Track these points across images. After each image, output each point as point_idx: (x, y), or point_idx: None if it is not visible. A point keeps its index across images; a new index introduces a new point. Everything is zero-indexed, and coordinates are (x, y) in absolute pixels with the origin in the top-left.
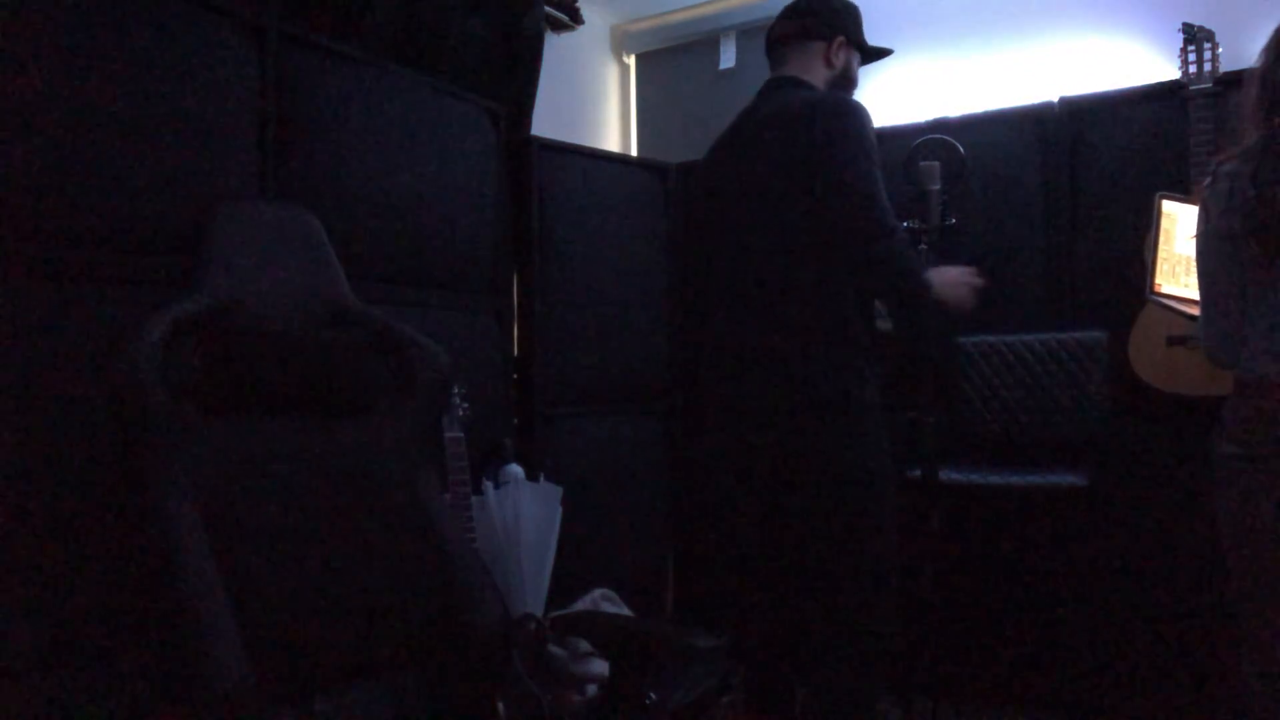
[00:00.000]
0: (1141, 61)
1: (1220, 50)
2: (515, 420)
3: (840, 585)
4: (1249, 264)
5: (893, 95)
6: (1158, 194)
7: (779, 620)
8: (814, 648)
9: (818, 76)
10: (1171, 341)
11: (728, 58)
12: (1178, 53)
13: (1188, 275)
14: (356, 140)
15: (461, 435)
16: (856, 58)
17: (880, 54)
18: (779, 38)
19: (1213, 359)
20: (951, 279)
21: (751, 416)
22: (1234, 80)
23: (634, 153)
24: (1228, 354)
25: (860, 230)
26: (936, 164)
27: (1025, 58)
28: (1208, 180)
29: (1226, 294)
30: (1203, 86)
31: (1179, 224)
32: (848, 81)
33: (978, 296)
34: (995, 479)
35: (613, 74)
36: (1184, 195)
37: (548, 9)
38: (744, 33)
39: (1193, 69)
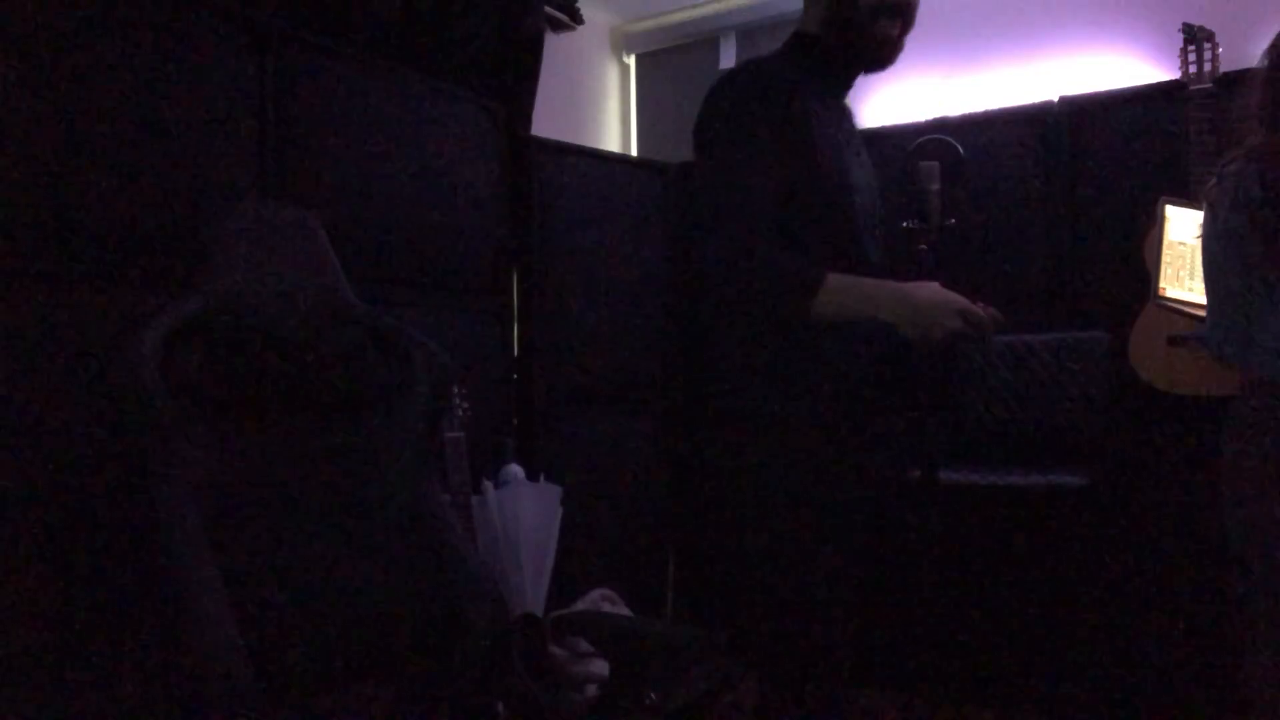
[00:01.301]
0: (1141, 62)
1: (1220, 50)
2: (515, 420)
3: (747, 593)
4: (1256, 264)
5: (893, 95)
6: (1161, 198)
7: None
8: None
9: (813, 23)
10: (1173, 341)
11: (728, 58)
12: (1178, 53)
13: (1192, 279)
14: (356, 140)
15: (461, 435)
16: None
17: None
18: None
19: (1221, 359)
20: (927, 300)
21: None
22: (1234, 80)
23: (634, 153)
24: (1236, 354)
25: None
26: (936, 164)
27: (1025, 57)
28: (1213, 181)
29: (1234, 294)
30: (1203, 86)
31: (1182, 227)
32: (842, 17)
33: (961, 330)
34: (995, 479)
35: (613, 74)
36: (1186, 199)
37: (548, 9)
38: (744, 33)
39: (1193, 69)
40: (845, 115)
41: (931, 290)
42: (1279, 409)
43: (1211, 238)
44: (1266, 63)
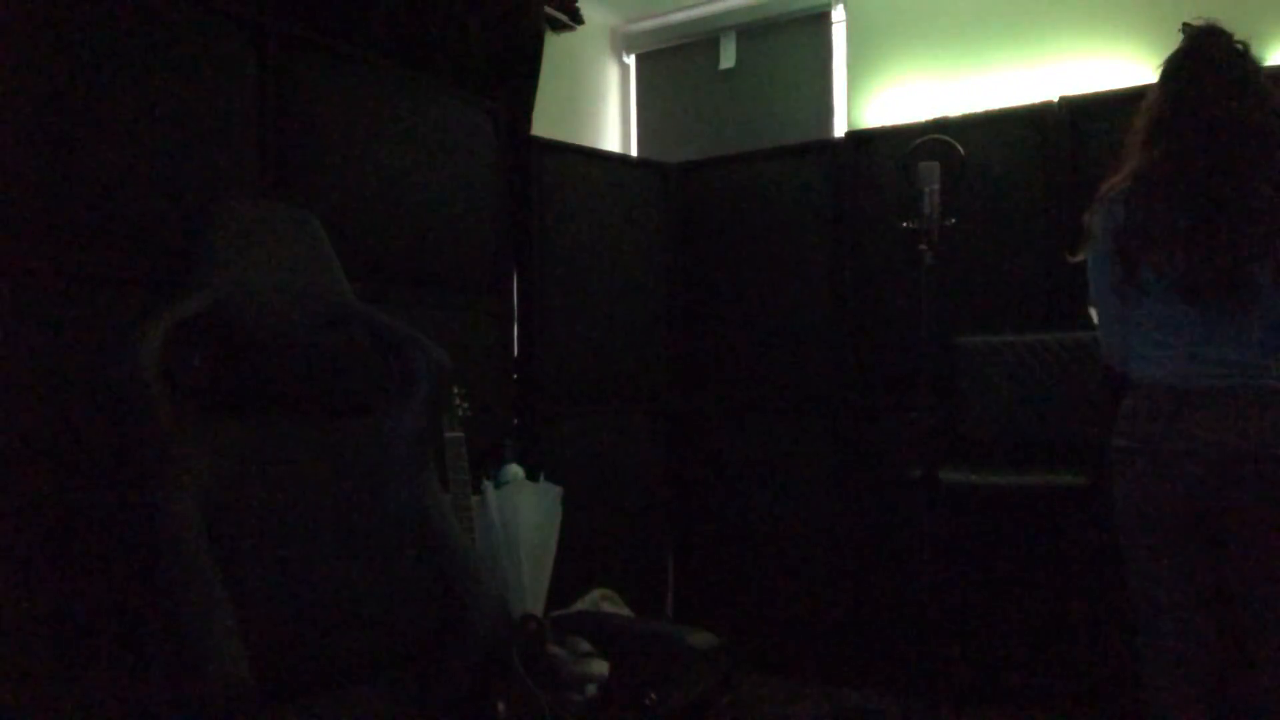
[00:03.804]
0: (1141, 62)
1: None
2: (515, 420)
3: None
4: (1119, 281)
5: (893, 95)
6: None
7: None
8: None
9: None
10: None
11: (728, 58)
12: None
13: None
14: (356, 140)
15: (461, 435)
16: None
17: None
18: None
19: (1109, 364)
20: None
21: None
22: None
23: (634, 153)
24: (1119, 360)
25: None
26: (936, 164)
27: (1025, 57)
28: (1093, 207)
29: (1113, 308)
30: None
31: None
32: None
33: None
34: (995, 479)
35: (613, 74)
36: None
37: (548, 9)
38: (744, 33)
39: None
40: None
41: None
42: (1152, 406)
43: (1092, 259)
44: (1152, 93)
